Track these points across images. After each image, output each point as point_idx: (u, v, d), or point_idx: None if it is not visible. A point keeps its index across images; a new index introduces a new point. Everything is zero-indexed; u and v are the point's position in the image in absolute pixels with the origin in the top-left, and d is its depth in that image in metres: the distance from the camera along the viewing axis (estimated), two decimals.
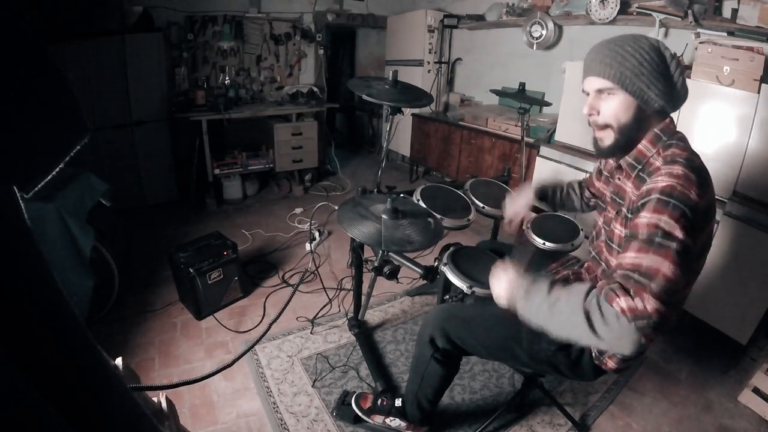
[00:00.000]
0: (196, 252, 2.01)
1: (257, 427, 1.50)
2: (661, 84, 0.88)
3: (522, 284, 0.90)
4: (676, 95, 0.91)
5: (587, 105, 0.96)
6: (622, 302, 0.73)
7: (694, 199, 0.79)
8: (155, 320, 2.02)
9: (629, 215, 0.94)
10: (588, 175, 1.35)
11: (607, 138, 0.96)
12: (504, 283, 0.94)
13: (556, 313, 0.81)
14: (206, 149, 3.31)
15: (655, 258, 0.75)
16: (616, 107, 0.92)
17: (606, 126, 0.95)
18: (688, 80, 2.06)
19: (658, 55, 0.88)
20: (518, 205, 1.40)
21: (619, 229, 0.99)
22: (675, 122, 0.96)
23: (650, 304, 0.72)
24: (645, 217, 0.80)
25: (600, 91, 0.93)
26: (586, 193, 1.35)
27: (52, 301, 0.37)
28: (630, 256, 0.78)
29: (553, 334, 0.83)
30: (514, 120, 3.18)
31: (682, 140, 0.93)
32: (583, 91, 0.98)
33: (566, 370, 1.12)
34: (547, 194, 1.39)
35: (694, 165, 0.86)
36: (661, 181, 0.83)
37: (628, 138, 0.94)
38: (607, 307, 0.74)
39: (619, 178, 1.05)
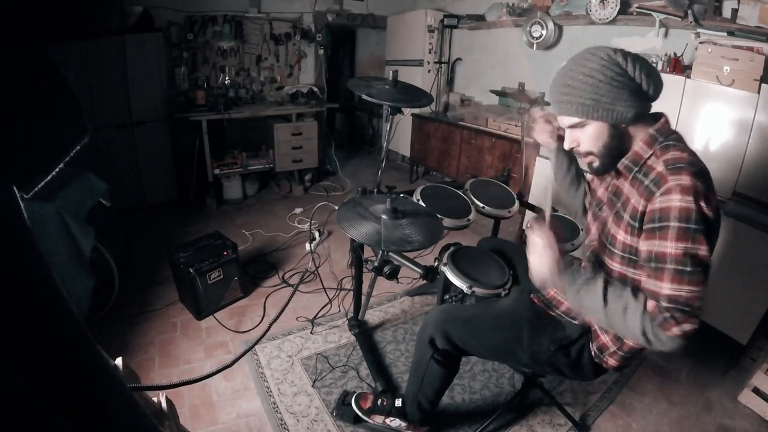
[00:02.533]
0: (196, 252, 2.01)
1: (257, 427, 1.50)
2: (625, 94, 0.87)
3: (570, 278, 0.92)
4: (644, 95, 0.90)
5: (567, 140, 0.99)
6: (676, 330, 0.81)
7: (709, 214, 0.83)
8: (155, 320, 2.02)
9: (634, 224, 0.93)
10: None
11: (594, 162, 1.00)
12: (545, 265, 0.94)
13: (611, 319, 0.88)
14: (206, 149, 3.31)
15: (690, 287, 0.82)
16: (591, 135, 0.94)
17: (589, 153, 0.98)
18: (688, 80, 2.08)
19: (612, 68, 0.87)
20: (548, 129, 1.27)
21: (623, 236, 0.97)
22: (670, 121, 0.96)
23: (696, 323, 0.82)
24: (671, 248, 0.83)
25: (572, 127, 0.96)
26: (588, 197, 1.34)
27: (52, 301, 0.37)
28: (666, 288, 0.83)
29: (603, 325, 0.91)
30: (514, 120, 3.18)
31: (680, 140, 0.93)
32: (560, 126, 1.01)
33: (567, 370, 1.13)
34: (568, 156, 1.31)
35: (698, 169, 0.86)
36: (674, 201, 0.83)
37: (612, 156, 0.97)
38: (661, 333, 0.83)
39: (616, 179, 1.05)
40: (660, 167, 0.89)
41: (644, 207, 0.90)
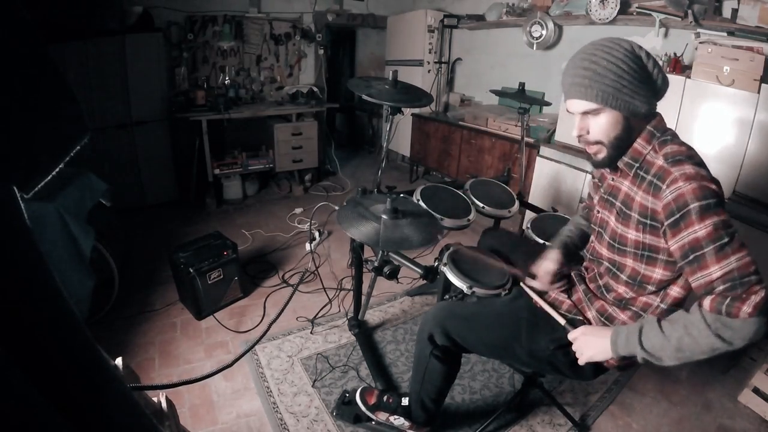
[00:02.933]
0: (196, 252, 2.01)
1: (257, 427, 1.50)
2: (643, 89, 0.88)
3: (629, 337, 0.91)
4: (658, 92, 0.92)
5: (576, 127, 0.96)
6: (746, 308, 0.77)
7: (717, 189, 0.83)
8: (155, 320, 2.02)
9: (646, 221, 0.92)
10: (586, 200, 1.32)
11: (600, 153, 0.97)
12: (600, 341, 0.96)
13: (683, 350, 0.84)
14: (206, 149, 3.31)
15: (737, 255, 0.79)
16: (604, 125, 0.92)
17: (597, 143, 0.96)
18: (688, 80, 2.08)
19: (635, 61, 0.87)
20: (547, 264, 1.24)
21: (635, 234, 0.96)
22: (664, 119, 0.97)
23: (763, 291, 0.77)
24: (700, 230, 0.81)
25: (586, 113, 0.93)
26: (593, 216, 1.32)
27: (52, 301, 0.37)
28: (716, 269, 0.80)
29: (688, 360, 0.86)
30: (514, 120, 3.18)
31: (675, 135, 0.95)
32: (567, 111, 0.98)
33: (566, 369, 1.12)
34: (569, 248, 1.28)
35: (697, 161, 0.87)
36: (684, 187, 0.83)
37: (620, 149, 0.96)
38: (733, 321, 0.78)
39: (613, 179, 1.05)
40: (660, 161, 0.90)
41: (654, 204, 0.90)
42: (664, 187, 0.87)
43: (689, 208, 0.82)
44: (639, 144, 0.95)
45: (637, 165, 0.96)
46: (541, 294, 1.18)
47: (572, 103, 0.94)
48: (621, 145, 0.95)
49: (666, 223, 0.87)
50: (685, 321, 0.85)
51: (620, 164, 0.99)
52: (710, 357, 0.83)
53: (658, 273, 0.97)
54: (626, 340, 0.92)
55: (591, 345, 0.98)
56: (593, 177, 1.21)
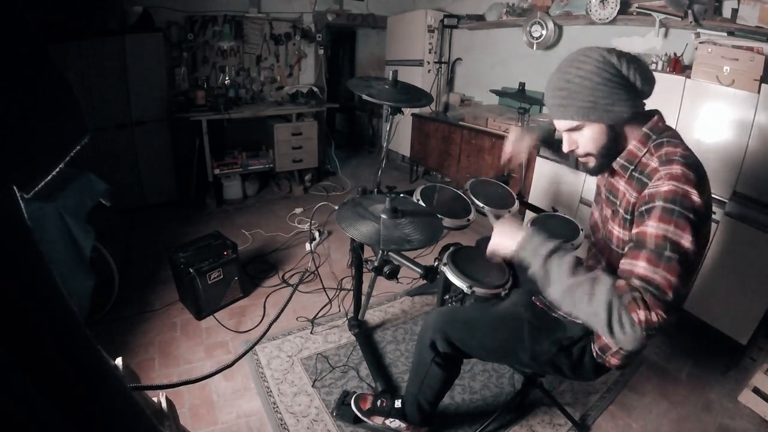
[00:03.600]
0: (196, 252, 2.01)
1: (257, 427, 1.50)
2: (622, 93, 0.87)
3: (540, 246, 0.89)
4: (640, 92, 0.91)
5: (565, 143, 0.99)
6: (641, 314, 0.75)
7: (696, 201, 0.80)
8: (155, 320, 2.02)
9: (627, 216, 0.94)
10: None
11: (591, 162, 0.99)
12: (513, 234, 0.95)
13: (575, 295, 0.82)
14: (206, 149, 3.31)
15: (666, 273, 0.78)
16: (589, 138, 0.94)
17: (587, 154, 0.98)
18: (688, 80, 2.07)
19: (608, 69, 0.87)
20: (521, 144, 1.35)
21: (618, 231, 0.99)
22: (663, 118, 0.97)
23: (662, 316, 0.76)
24: (652, 227, 0.81)
25: (570, 130, 0.95)
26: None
27: (52, 301, 0.37)
28: (641, 266, 0.80)
29: (560, 306, 0.86)
30: (514, 120, 3.18)
31: (674, 137, 0.93)
32: (555, 129, 1.01)
33: (568, 371, 1.12)
34: (553, 145, 1.33)
35: (690, 162, 0.86)
36: (662, 185, 0.83)
37: (610, 156, 0.97)
38: (626, 315, 0.77)
39: (613, 179, 1.05)
40: (654, 163, 0.90)
41: (635, 198, 0.91)
42: (649, 184, 0.87)
43: (655, 205, 0.82)
44: (634, 146, 0.95)
45: (632, 167, 0.96)
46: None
47: (556, 122, 0.97)
48: (609, 153, 0.96)
49: (636, 214, 0.88)
50: (595, 276, 0.83)
51: (615, 166, 0.99)
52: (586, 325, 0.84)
53: None
54: (534, 250, 0.90)
55: (504, 234, 0.98)
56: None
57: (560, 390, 1.72)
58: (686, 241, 0.78)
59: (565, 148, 0.99)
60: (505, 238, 0.96)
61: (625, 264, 0.84)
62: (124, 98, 2.99)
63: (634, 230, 0.87)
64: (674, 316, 0.79)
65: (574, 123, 0.92)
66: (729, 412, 1.64)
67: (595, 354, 1.09)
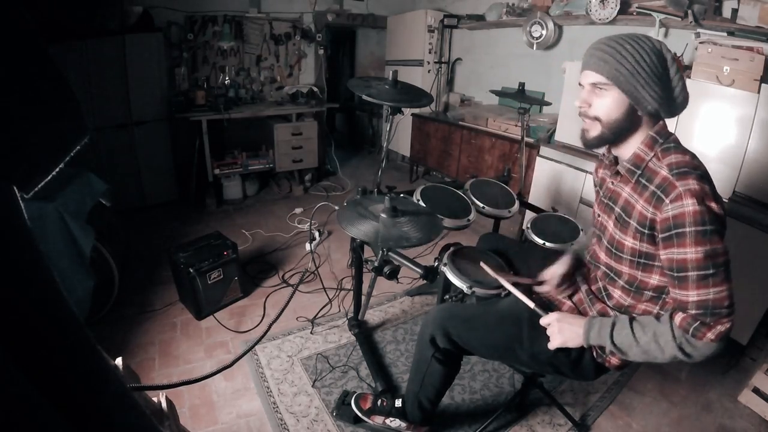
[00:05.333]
0: (196, 252, 2.01)
1: (257, 427, 1.50)
2: (657, 87, 0.88)
3: (601, 329, 0.97)
4: (673, 100, 0.91)
5: (579, 98, 0.97)
6: (711, 335, 0.84)
7: (718, 212, 0.84)
8: (155, 320, 2.02)
9: (644, 231, 0.92)
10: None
11: (594, 130, 0.97)
12: (574, 329, 1.01)
13: (649, 352, 0.91)
14: (206, 149, 3.30)
15: (716, 288, 0.84)
16: (608, 103, 0.93)
17: (595, 119, 0.96)
18: (688, 80, 2.07)
19: (659, 58, 0.89)
20: (555, 269, 1.24)
21: (632, 242, 0.96)
22: (667, 125, 0.96)
23: (728, 324, 0.84)
24: (690, 253, 0.84)
25: (594, 85, 0.94)
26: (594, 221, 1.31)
27: (52, 301, 0.37)
28: (693, 295, 0.85)
29: (648, 361, 0.95)
30: (514, 120, 3.18)
31: (677, 142, 0.94)
32: (579, 83, 0.99)
33: (567, 370, 1.12)
34: (581, 259, 1.26)
35: (702, 171, 0.87)
36: (687, 207, 0.83)
37: (614, 134, 0.96)
38: (696, 342, 0.86)
39: (613, 183, 1.04)
40: (664, 172, 0.89)
41: (653, 215, 0.89)
42: (667, 201, 0.86)
43: (686, 230, 0.83)
44: (640, 149, 0.94)
45: (639, 172, 0.95)
46: (516, 285, 1.17)
47: (586, 74, 0.95)
48: (617, 130, 0.95)
49: (661, 236, 0.89)
50: (656, 329, 0.90)
51: (621, 170, 0.99)
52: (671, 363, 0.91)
53: (654, 279, 0.98)
54: (598, 333, 0.97)
55: (564, 331, 1.01)
56: (594, 185, 1.20)
57: (560, 390, 1.72)
58: (721, 249, 0.84)
59: (577, 103, 0.98)
60: (570, 335, 1.01)
61: (677, 295, 0.88)
62: (124, 98, 2.99)
63: (667, 254, 0.88)
64: (736, 311, 0.86)
65: (603, 80, 0.91)
66: (729, 412, 1.64)
67: (594, 353, 1.09)
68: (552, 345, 1.03)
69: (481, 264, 1.27)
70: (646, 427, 1.57)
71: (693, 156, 0.91)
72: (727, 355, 1.89)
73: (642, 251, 0.95)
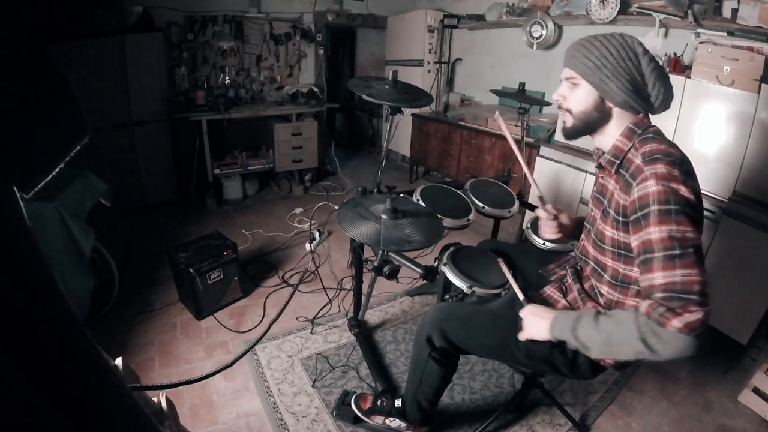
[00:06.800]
0: (196, 252, 2.01)
1: (257, 427, 1.50)
2: (624, 80, 0.91)
3: (565, 321, 0.96)
4: (645, 93, 0.93)
5: (557, 91, 1.04)
6: (676, 323, 0.76)
7: (687, 195, 0.82)
8: (155, 320, 2.02)
9: (618, 218, 0.94)
10: None
11: (568, 121, 1.03)
12: (541, 322, 1.01)
13: (611, 344, 0.87)
14: (206, 149, 3.31)
15: (683, 270, 0.79)
16: (578, 96, 0.99)
17: (567, 110, 1.02)
18: (688, 80, 2.07)
19: (627, 52, 0.91)
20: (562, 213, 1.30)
21: (610, 232, 0.99)
22: (649, 117, 0.99)
23: (700, 313, 0.76)
24: (654, 232, 0.82)
25: (568, 80, 1.00)
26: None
27: (52, 301, 0.37)
28: (659, 277, 0.81)
29: (613, 358, 0.93)
30: (514, 120, 3.18)
31: (657, 133, 0.96)
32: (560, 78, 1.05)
33: (564, 369, 1.12)
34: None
35: (675, 158, 0.87)
36: (650, 187, 0.84)
37: (584, 124, 1.01)
38: (661, 330, 0.78)
39: (602, 177, 1.07)
40: (638, 160, 0.91)
41: (624, 200, 0.91)
42: (634, 184, 0.88)
43: (650, 209, 0.83)
44: (619, 141, 0.97)
45: (618, 162, 0.97)
46: (515, 276, 1.22)
47: (564, 70, 1.01)
48: (586, 120, 0.99)
49: (630, 219, 0.90)
50: (619, 318, 0.88)
51: (603, 162, 1.01)
52: (636, 360, 0.86)
53: (636, 272, 0.97)
54: (562, 326, 0.96)
55: (533, 324, 1.03)
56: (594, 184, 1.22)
57: (560, 390, 1.72)
58: (690, 232, 0.80)
59: (554, 96, 1.05)
60: (538, 327, 1.02)
61: (643, 281, 0.85)
62: (124, 98, 2.99)
63: (636, 240, 0.88)
64: (711, 305, 0.80)
65: (573, 74, 0.97)
66: (729, 412, 1.64)
67: None
68: (521, 336, 1.05)
69: (499, 261, 1.27)
70: (646, 427, 1.57)
71: (671, 144, 0.92)
72: (727, 355, 1.90)
73: (620, 241, 0.96)
